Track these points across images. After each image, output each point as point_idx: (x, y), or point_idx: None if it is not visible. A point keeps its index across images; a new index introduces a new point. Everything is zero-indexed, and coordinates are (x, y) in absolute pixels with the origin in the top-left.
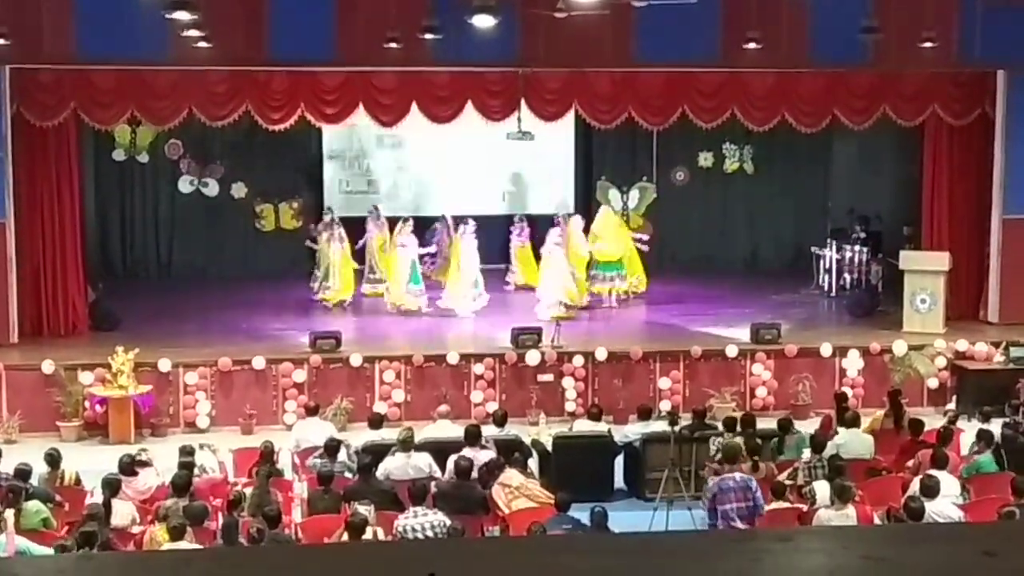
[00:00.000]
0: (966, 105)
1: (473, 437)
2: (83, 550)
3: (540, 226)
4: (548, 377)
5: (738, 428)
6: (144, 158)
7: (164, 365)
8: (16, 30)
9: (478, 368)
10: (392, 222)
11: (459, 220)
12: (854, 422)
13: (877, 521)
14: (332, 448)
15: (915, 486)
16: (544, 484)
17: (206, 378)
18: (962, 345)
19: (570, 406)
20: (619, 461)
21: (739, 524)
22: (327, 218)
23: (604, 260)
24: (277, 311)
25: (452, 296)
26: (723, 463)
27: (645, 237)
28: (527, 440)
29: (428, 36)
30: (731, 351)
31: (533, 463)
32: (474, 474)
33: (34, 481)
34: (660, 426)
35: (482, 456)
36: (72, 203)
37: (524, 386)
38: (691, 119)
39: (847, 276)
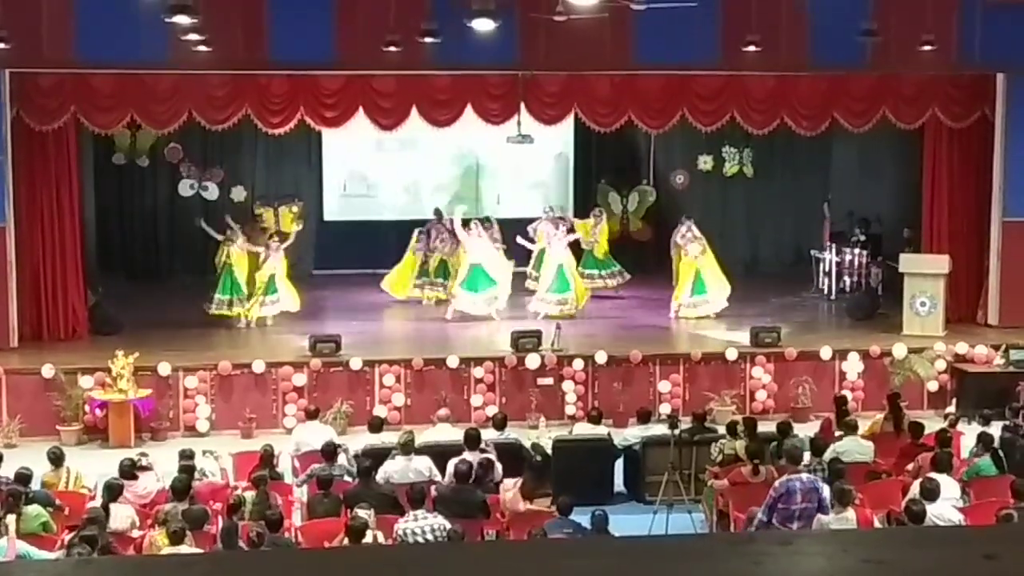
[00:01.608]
0: (966, 108)
1: (473, 440)
2: (77, 553)
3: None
4: (548, 380)
5: (739, 432)
6: (144, 162)
7: (164, 369)
8: (16, 34)
9: (478, 371)
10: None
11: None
12: (852, 429)
13: (877, 524)
14: (329, 452)
15: (915, 489)
16: (537, 483)
17: (206, 382)
18: (962, 348)
19: (570, 409)
20: (619, 464)
21: (794, 526)
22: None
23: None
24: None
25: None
26: (788, 465)
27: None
28: (527, 443)
29: (428, 40)
30: (731, 354)
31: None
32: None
33: (37, 481)
34: (660, 429)
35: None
36: (72, 207)
37: (524, 389)
38: (691, 122)
39: (847, 279)
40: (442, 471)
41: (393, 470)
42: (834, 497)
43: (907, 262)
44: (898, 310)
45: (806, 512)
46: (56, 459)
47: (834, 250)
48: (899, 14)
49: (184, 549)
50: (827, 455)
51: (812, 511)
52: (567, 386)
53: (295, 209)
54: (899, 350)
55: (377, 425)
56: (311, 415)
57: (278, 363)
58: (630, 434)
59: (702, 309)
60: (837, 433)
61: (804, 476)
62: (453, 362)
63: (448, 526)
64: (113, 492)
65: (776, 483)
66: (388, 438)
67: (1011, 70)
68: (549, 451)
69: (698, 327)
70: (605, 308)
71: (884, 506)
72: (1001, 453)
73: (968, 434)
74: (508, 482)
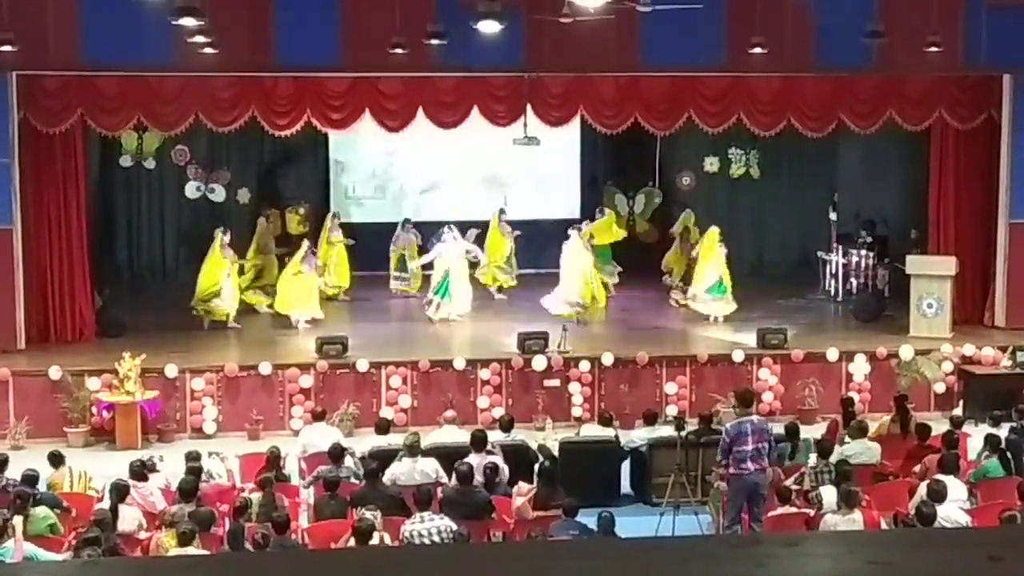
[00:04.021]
0: (972, 109)
1: (479, 442)
2: (87, 555)
3: (548, 230)
4: (554, 382)
5: None
6: (151, 164)
7: (171, 371)
8: (22, 36)
9: (484, 373)
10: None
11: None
12: (862, 432)
13: (884, 526)
14: (336, 454)
15: (923, 491)
16: (551, 493)
17: (213, 384)
18: (969, 350)
19: (576, 411)
20: (625, 466)
21: (750, 464)
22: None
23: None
24: (285, 316)
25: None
26: (737, 407)
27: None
28: (534, 445)
29: (433, 42)
30: (737, 356)
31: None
32: (479, 478)
33: (42, 484)
34: (666, 431)
35: (487, 461)
36: (78, 209)
37: (530, 391)
38: (697, 124)
39: (853, 281)
40: (449, 473)
41: (400, 472)
42: (841, 499)
43: (914, 264)
44: (905, 312)
45: (759, 452)
46: (56, 460)
47: (840, 252)
48: (905, 15)
49: (191, 551)
50: (834, 457)
51: (764, 451)
52: (574, 388)
53: (301, 212)
54: (906, 352)
55: (384, 427)
56: (318, 417)
57: (285, 365)
58: (637, 436)
59: (713, 308)
60: (844, 437)
61: (755, 418)
62: (460, 364)
63: (454, 528)
64: (121, 493)
65: (728, 426)
66: (395, 440)
67: (1017, 71)
68: (556, 453)
69: (706, 329)
70: (611, 310)
71: (891, 508)
72: (1008, 455)
73: (975, 436)
74: (523, 486)
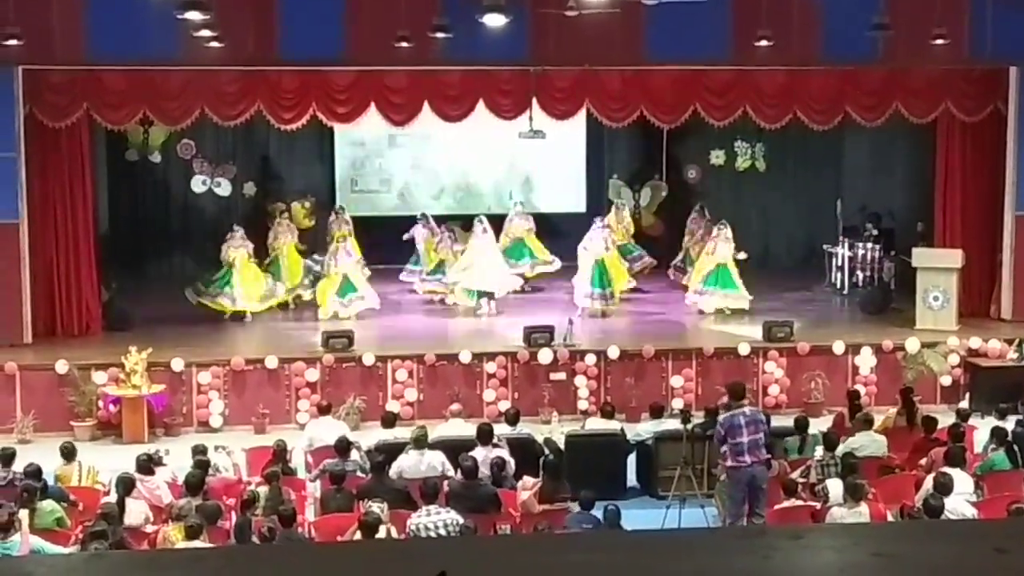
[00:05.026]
0: (978, 102)
1: (485, 436)
2: (94, 548)
3: (555, 224)
4: (560, 375)
5: None
6: (156, 158)
7: (177, 364)
8: (28, 31)
9: (490, 367)
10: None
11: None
12: (868, 425)
13: (890, 519)
14: (342, 447)
15: (929, 484)
16: (557, 486)
17: (219, 377)
18: (975, 342)
19: (582, 404)
20: (631, 459)
21: (747, 457)
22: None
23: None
24: (290, 309)
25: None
26: (730, 399)
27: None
28: (539, 439)
29: (439, 35)
30: (743, 349)
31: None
32: (484, 471)
33: (50, 476)
34: (672, 424)
35: (493, 455)
36: (85, 203)
37: (536, 384)
38: (703, 117)
39: (859, 274)
40: (455, 466)
41: (406, 465)
42: (847, 492)
43: (920, 256)
44: (911, 304)
45: (756, 443)
46: (68, 453)
47: (846, 245)
48: (910, 8)
49: (198, 544)
50: (840, 449)
51: (761, 441)
52: (579, 381)
53: (307, 205)
54: (912, 344)
55: (390, 420)
56: (324, 410)
57: (291, 358)
58: (643, 429)
59: (719, 301)
60: (850, 426)
61: (747, 410)
62: (465, 357)
63: (461, 521)
64: (127, 487)
65: (720, 418)
66: (401, 433)
67: (1023, 63)
68: (562, 446)
69: (714, 322)
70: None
71: (897, 501)
72: (1015, 447)
73: (982, 428)
74: (528, 480)
